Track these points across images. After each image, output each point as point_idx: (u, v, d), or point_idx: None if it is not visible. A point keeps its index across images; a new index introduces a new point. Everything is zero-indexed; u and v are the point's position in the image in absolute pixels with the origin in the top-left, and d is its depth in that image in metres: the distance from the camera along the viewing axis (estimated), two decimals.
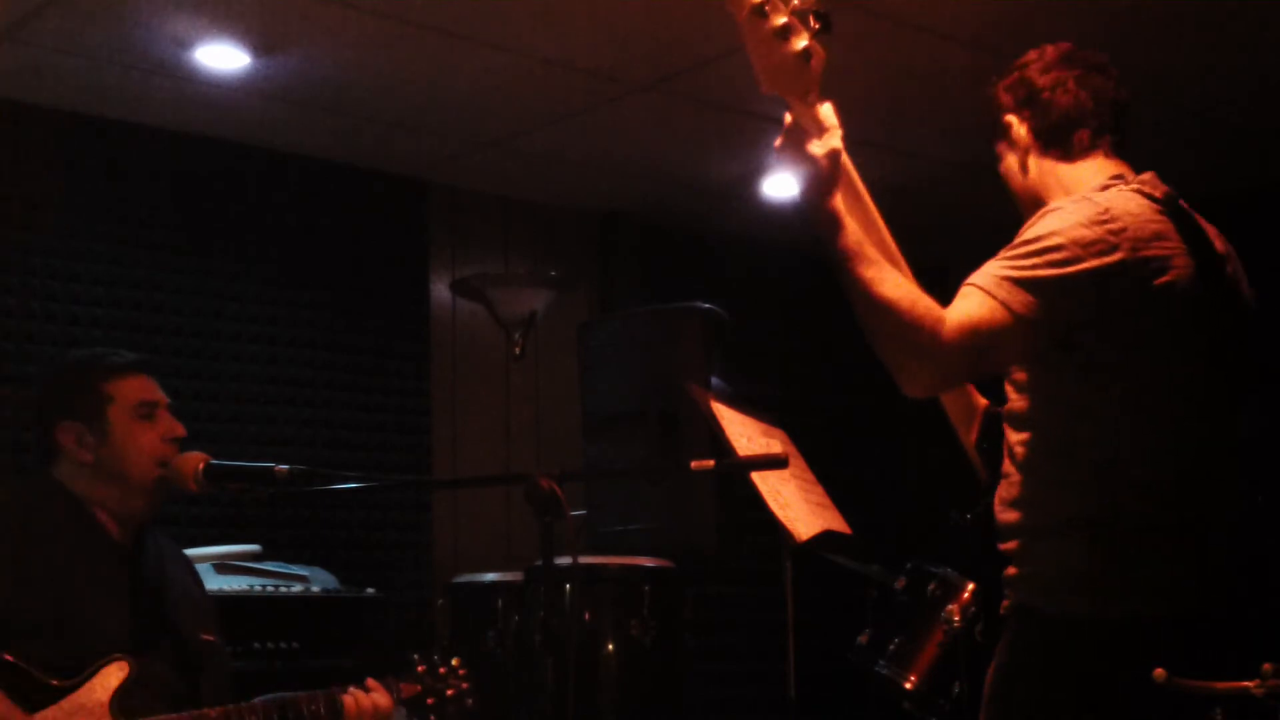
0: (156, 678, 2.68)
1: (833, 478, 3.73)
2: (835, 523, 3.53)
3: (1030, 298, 2.11)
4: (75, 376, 2.92)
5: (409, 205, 5.56)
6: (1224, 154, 5.38)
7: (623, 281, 6.06)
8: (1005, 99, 2.45)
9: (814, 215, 2.10)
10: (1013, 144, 2.44)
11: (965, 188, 2.64)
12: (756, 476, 3.29)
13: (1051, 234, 2.15)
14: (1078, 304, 2.13)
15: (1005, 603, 2.32)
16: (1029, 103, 2.42)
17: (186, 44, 4.22)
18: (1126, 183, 2.28)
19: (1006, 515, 2.30)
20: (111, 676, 2.59)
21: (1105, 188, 2.27)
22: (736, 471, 3.36)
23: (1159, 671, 1.98)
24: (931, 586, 3.42)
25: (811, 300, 6.43)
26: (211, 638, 2.91)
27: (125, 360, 2.92)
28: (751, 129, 5.15)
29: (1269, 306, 2.50)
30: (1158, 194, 2.26)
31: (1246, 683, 1.97)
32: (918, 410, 2.49)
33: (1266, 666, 1.96)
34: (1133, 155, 2.46)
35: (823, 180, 2.09)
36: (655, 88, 4.72)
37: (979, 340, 2.10)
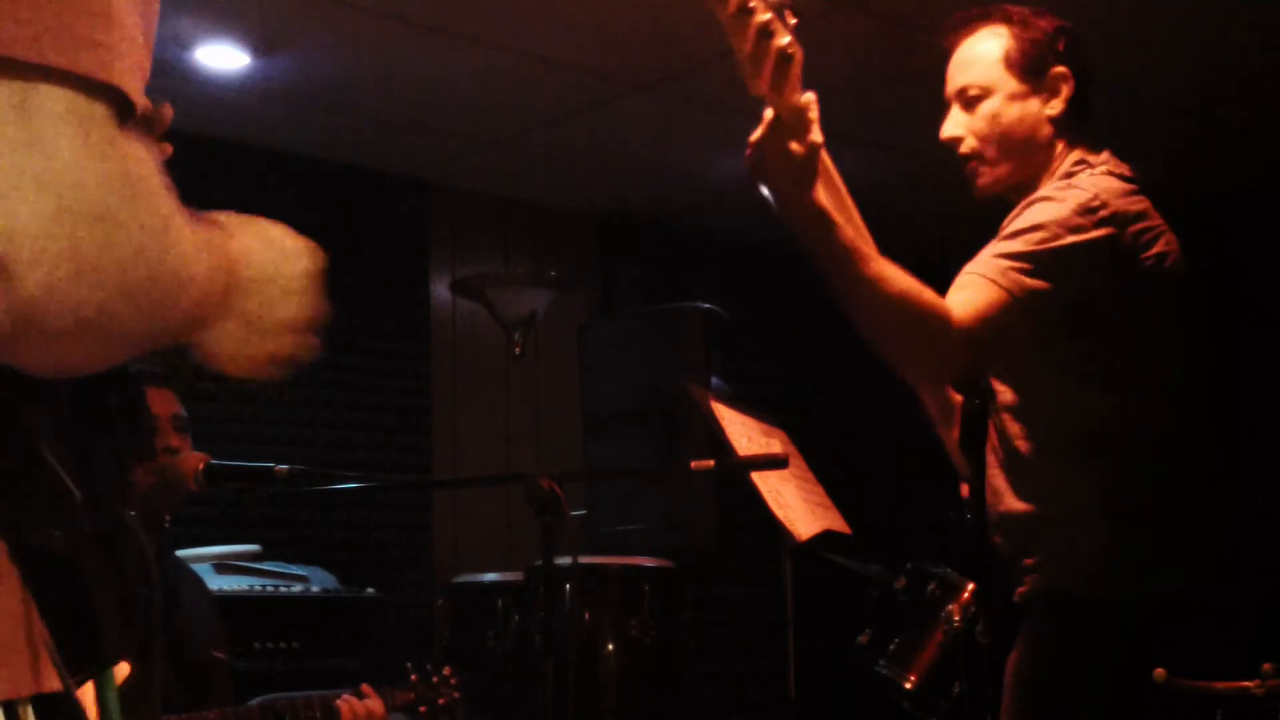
0: (158, 684, 2.68)
1: (833, 478, 3.73)
2: (835, 523, 3.53)
3: (1033, 282, 2.12)
4: None
5: (409, 205, 5.56)
6: (1224, 154, 5.38)
7: (623, 281, 6.06)
8: (1067, 56, 2.33)
9: (796, 212, 2.00)
10: (1054, 95, 2.33)
11: (964, 187, 2.63)
12: (756, 476, 3.28)
13: (1048, 221, 2.16)
14: (1077, 285, 2.15)
15: (1020, 590, 2.34)
16: (1081, 73, 2.34)
17: (186, 44, 4.22)
18: (1091, 166, 2.29)
19: (1011, 505, 2.31)
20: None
21: (1071, 174, 2.28)
22: (736, 471, 3.35)
23: (1159, 671, 2.00)
24: (931, 586, 3.41)
25: (811, 300, 6.44)
26: (222, 655, 2.93)
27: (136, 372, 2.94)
28: (751, 129, 5.14)
29: (1269, 306, 2.52)
30: (1127, 173, 2.28)
31: (1246, 683, 1.97)
32: (917, 410, 2.49)
33: (1266, 666, 1.96)
34: (1133, 156, 2.46)
35: (808, 176, 1.99)
36: (655, 88, 4.72)
37: (988, 328, 2.09)
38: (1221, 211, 5.23)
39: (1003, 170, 2.36)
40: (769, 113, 1.98)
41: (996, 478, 2.35)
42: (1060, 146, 2.35)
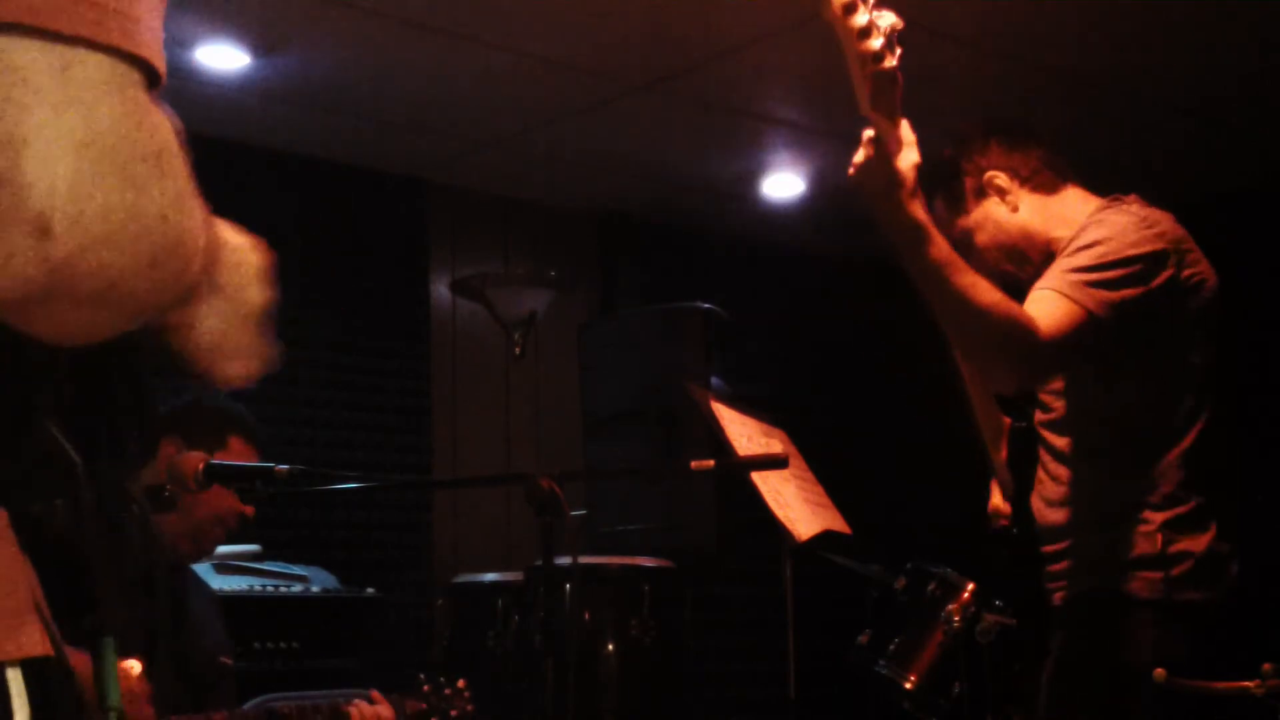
0: (166, 683, 2.69)
1: (833, 478, 3.73)
2: (835, 523, 3.53)
3: (1102, 295, 2.26)
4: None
5: (409, 205, 5.55)
6: (1224, 154, 5.38)
7: (623, 281, 6.06)
8: (983, 161, 2.57)
9: (897, 223, 2.11)
10: (1001, 192, 2.56)
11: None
12: (756, 476, 3.29)
13: (1107, 239, 2.32)
14: (1138, 299, 2.29)
15: (1059, 596, 2.46)
16: (1008, 155, 2.56)
17: (186, 44, 4.22)
18: (1126, 202, 2.45)
19: (1055, 514, 2.45)
20: (122, 675, 2.59)
21: (1110, 206, 2.45)
22: (736, 471, 3.35)
23: (1159, 671, 2.02)
24: (931, 586, 3.41)
25: (811, 300, 6.46)
26: (228, 660, 2.93)
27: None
28: (751, 129, 5.15)
29: (1269, 306, 2.60)
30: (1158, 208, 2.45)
31: (1247, 683, 1.98)
32: (917, 410, 2.53)
33: (1266, 666, 1.97)
34: (1133, 156, 2.51)
35: (909, 191, 2.10)
36: (655, 88, 4.72)
37: (1069, 340, 2.23)
38: (1221, 211, 5.23)
39: (1017, 263, 2.57)
40: (870, 132, 2.10)
41: (1042, 490, 2.49)
42: (1053, 203, 2.54)
